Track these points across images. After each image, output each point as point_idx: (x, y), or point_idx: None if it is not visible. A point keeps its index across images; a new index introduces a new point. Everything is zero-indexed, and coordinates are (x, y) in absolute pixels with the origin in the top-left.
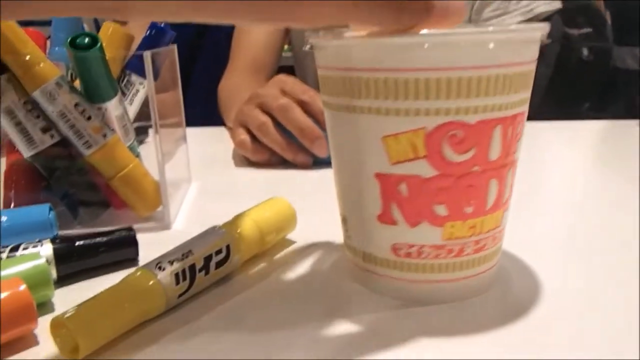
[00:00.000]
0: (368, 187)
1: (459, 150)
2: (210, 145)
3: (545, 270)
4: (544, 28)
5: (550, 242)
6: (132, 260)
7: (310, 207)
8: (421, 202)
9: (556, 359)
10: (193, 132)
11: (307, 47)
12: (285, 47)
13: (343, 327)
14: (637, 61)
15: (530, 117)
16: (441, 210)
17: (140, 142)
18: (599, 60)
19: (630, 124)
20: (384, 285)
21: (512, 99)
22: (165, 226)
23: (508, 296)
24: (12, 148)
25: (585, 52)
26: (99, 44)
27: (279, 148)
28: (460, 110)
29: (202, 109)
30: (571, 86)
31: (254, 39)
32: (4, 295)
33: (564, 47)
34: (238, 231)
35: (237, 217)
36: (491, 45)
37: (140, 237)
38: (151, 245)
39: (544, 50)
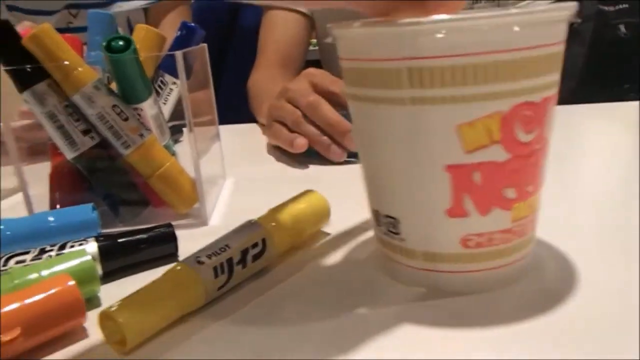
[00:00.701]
0: (435, 182)
1: (527, 130)
2: (242, 141)
3: (582, 259)
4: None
5: (587, 230)
6: (172, 255)
7: (343, 200)
8: (493, 188)
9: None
10: (225, 129)
11: (330, 40)
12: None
13: (381, 319)
14: None
15: (567, 101)
16: (510, 193)
17: (175, 141)
18: (637, 37)
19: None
20: (448, 281)
21: (555, 77)
22: (203, 222)
23: (545, 281)
24: (55, 151)
25: (622, 29)
26: (132, 46)
27: (312, 141)
28: (530, 89)
29: (232, 106)
30: (609, 66)
31: (281, 33)
32: (54, 290)
33: (598, 24)
34: (273, 224)
35: (272, 211)
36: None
37: (179, 233)
38: (189, 241)
39: (577, 29)
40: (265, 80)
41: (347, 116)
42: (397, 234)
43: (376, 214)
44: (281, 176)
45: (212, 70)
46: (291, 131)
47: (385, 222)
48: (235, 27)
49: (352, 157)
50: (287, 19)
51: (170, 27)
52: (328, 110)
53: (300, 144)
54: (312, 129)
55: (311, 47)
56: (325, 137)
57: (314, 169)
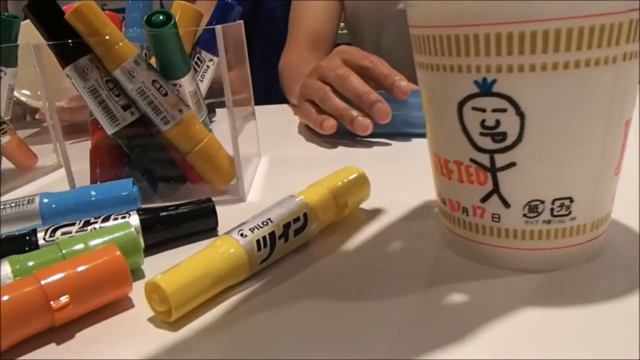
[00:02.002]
0: (614, 140)
1: None
2: (276, 121)
3: None
4: None
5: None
6: (212, 230)
7: (379, 178)
8: None
9: None
10: (258, 110)
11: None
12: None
13: (429, 296)
14: None
15: None
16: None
17: (212, 120)
18: None
19: None
20: (584, 251)
21: None
22: (241, 198)
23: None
24: (95, 127)
25: None
26: (173, 21)
27: (338, 115)
28: None
29: (258, 88)
30: None
31: (311, 14)
32: (101, 260)
33: None
34: (314, 199)
35: (312, 186)
36: None
37: (217, 209)
38: (228, 217)
39: None
40: (296, 62)
41: (385, 96)
42: (567, 214)
43: (533, 204)
44: (315, 155)
45: None
46: (320, 110)
47: (550, 208)
48: (261, 8)
49: (379, 134)
50: (315, 2)
51: (207, 4)
52: (356, 81)
53: (329, 125)
54: (338, 103)
55: (340, 31)
56: (351, 110)
57: (347, 148)
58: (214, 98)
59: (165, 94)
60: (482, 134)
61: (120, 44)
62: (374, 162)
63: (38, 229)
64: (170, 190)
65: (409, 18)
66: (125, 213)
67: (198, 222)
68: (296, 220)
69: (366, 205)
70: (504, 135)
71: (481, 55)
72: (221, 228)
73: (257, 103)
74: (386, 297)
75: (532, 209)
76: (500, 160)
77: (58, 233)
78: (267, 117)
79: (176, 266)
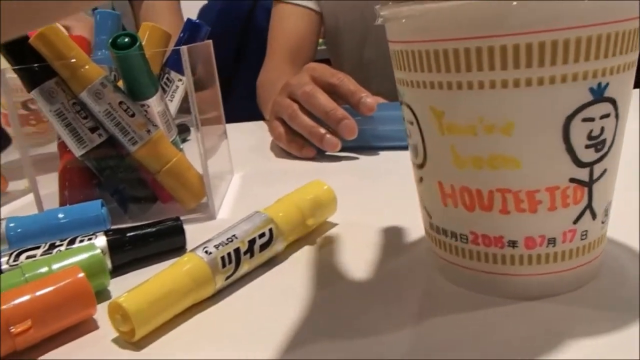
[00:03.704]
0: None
1: None
2: (250, 138)
3: None
4: None
5: None
6: (181, 249)
7: (349, 192)
8: None
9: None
10: (234, 127)
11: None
12: (320, 40)
13: (395, 309)
14: None
15: None
16: None
17: (184, 140)
18: None
19: None
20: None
21: None
22: (211, 216)
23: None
24: (64, 149)
25: None
26: (138, 43)
27: (306, 132)
28: None
29: (250, 104)
30: None
31: (289, 29)
32: (63, 282)
33: None
34: (280, 214)
35: (279, 201)
36: None
37: (188, 228)
38: (198, 235)
39: None
40: (274, 78)
41: (350, 110)
42: (607, 217)
43: (607, 207)
44: (286, 170)
45: (230, 69)
46: (289, 128)
47: (602, 214)
48: (250, 27)
49: (348, 148)
50: (295, 14)
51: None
52: (323, 99)
53: (309, 154)
54: (306, 121)
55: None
56: (319, 128)
57: (317, 163)
58: (187, 116)
59: (133, 115)
60: (587, 146)
61: (87, 66)
62: (344, 176)
63: (2, 254)
64: (140, 211)
65: (457, 29)
66: (92, 235)
67: (166, 241)
68: (262, 235)
69: (334, 219)
70: (604, 143)
71: (591, 60)
72: (191, 246)
73: (246, 120)
74: (369, 329)
75: (606, 211)
76: (597, 170)
77: (22, 257)
78: (244, 134)
79: (139, 285)
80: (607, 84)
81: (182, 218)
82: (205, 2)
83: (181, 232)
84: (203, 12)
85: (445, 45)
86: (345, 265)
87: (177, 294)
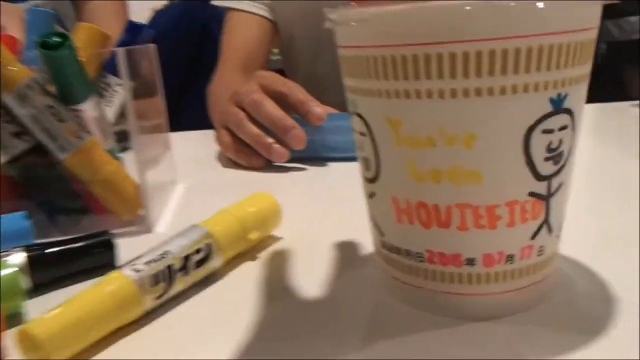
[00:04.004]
0: None
1: None
2: (198, 148)
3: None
4: None
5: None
6: (111, 265)
7: (297, 204)
8: None
9: None
10: (183, 136)
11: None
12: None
13: (340, 328)
14: (623, 32)
15: None
16: None
17: (125, 148)
18: (615, 54)
19: (624, 106)
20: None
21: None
22: (147, 229)
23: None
24: None
25: (603, 48)
26: (68, 42)
27: (253, 142)
28: None
29: (205, 112)
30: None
31: (242, 37)
32: None
33: None
34: (219, 228)
35: (218, 214)
36: None
37: (122, 242)
38: (133, 250)
39: None
40: (223, 85)
41: (299, 120)
42: (559, 236)
43: (562, 221)
44: (234, 181)
45: (186, 78)
46: (236, 137)
47: (557, 228)
48: (207, 36)
49: (297, 158)
50: (248, 22)
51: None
52: (270, 107)
53: (258, 164)
54: (253, 130)
55: (276, 57)
56: (267, 138)
57: (263, 174)
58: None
59: (62, 120)
60: (546, 159)
61: (13, 67)
62: (291, 187)
63: None
64: (71, 223)
65: (418, 35)
66: (11, 250)
67: (94, 257)
68: (198, 251)
69: (279, 232)
70: (561, 156)
71: (552, 69)
72: (122, 262)
73: (202, 127)
74: (313, 353)
75: (560, 225)
76: (554, 183)
77: None
78: (190, 143)
79: (55, 308)
80: (566, 95)
81: (116, 231)
82: (157, 8)
83: (111, 247)
84: (156, 19)
85: (403, 51)
86: (289, 283)
87: (97, 317)
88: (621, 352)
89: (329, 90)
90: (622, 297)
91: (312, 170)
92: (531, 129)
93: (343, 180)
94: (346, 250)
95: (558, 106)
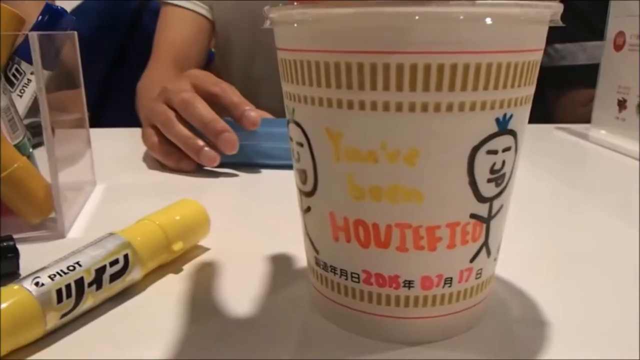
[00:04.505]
0: None
1: None
2: (122, 146)
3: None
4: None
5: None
6: (13, 274)
7: (227, 212)
8: None
9: None
10: (106, 133)
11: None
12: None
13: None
14: (550, 59)
15: None
16: None
17: (38, 144)
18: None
19: (547, 128)
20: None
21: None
22: (59, 235)
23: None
24: None
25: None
26: None
27: (181, 144)
28: None
29: (130, 110)
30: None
31: (176, 33)
32: None
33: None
34: (139, 238)
35: (139, 222)
36: None
37: (29, 248)
38: (42, 257)
39: None
40: (154, 82)
41: (232, 123)
42: (496, 259)
43: (499, 244)
44: (159, 184)
45: (111, 70)
46: (164, 137)
47: (495, 251)
48: (136, 28)
49: (229, 163)
50: (183, 18)
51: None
52: (202, 108)
53: (187, 168)
54: (182, 131)
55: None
56: (197, 140)
57: (192, 178)
58: (52, 117)
59: None
60: (489, 180)
61: None
62: (221, 194)
63: None
64: None
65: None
66: None
67: None
68: (114, 263)
69: (206, 243)
70: (503, 178)
71: (499, 88)
72: (29, 271)
73: (127, 124)
74: (216, 349)
75: (498, 247)
76: (496, 205)
77: None
78: (113, 141)
79: None
80: (512, 116)
81: (23, 236)
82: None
83: (13, 254)
84: (81, 9)
85: (347, 58)
86: (215, 299)
87: None
88: None
89: (265, 94)
90: (555, 320)
91: (244, 177)
92: (476, 149)
93: (276, 188)
94: (278, 264)
95: (503, 127)
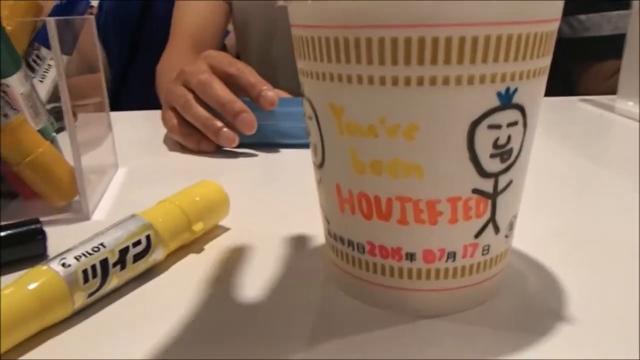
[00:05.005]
0: None
1: None
2: (143, 129)
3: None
4: None
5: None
6: (41, 256)
7: (247, 192)
8: None
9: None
10: (127, 116)
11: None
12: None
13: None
14: (573, 30)
15: None
16: None
17: (61, 128)
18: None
19: (572, 100)
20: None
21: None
22: (84, 217)
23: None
24: None
25: None
26: None
27: (201, 125)
28: None
29: (145, 94)
30: None
31: (194, 15)
32: None
33: None
34: (160, 219)
35: (160, 204)
36: None
37: (55, 230)
38: (68, 239)
39: None
40: (174, 65)
41: (249, 104)
42: (512, 230)
43: (512, 220)
44: (180, 166)
45: (127, 56)
46: (183, 119)
47: (506, 228)
48: (150, 10)
49: (248, 144)
50: (201, 0)
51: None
52: (219, 89)
53: (208, 149)
54: (201, 112)
55: None
56: (215, 121)
57: (211, 159)
58: (73, 102)
59: None
60: (492, 155)
61: None
62: (240, 174)
63: None
64: None
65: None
66: None
67: (22, 248)
68: (136, 244)
69: (227, 223)
70: (510, 153)
71: (500, 61)
72: (55, 254)
73: (146, 107)
74: (259, 351)
75: (510, 225)
76: (502, 181)
77: None
78: (134, 124)
79: None
80: (516, 90)
81: (49, 219)
82: None
83: (41, 236)
84: None
85: (345, 33)
86: (236, 277)
87: (22, 315)
88: (571, 351)
89: (284, 74)
90: (574, 294)
91: (263, 157)
92: (475, 124)
93: (295, 167)
94: (297, 241)
95: (506, 101)
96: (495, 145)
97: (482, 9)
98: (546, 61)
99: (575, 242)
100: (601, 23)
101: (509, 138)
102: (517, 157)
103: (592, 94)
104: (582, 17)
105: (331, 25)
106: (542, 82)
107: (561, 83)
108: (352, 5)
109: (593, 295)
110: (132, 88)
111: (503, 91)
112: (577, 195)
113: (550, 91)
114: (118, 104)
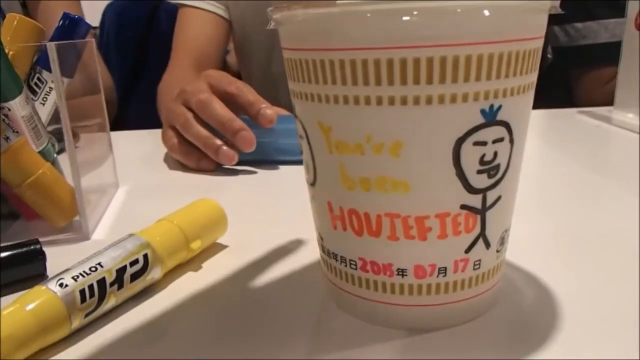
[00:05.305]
0: None
1: None
2: (144, 148)
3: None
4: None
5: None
6: (40, 276)
7: (247, 209)
8: None
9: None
10: (128, 136)
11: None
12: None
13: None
14: (570, 38)
15: None
16: None
17: (62, 150)
18: (562, 61)
19: (569, 112)
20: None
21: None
22: (84, 237)
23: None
24: None
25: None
26: None
27: (200, 144)
28: None
29: (149, 111)
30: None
31: (196, 33)
32: None
33: None
34: (158, 238)
35: (158, 222)
36: None
37: (55, 250)
38: (68, 259)
39: None
40: (173, 83)
41: (248, 122)
42: (503, 245)
43: (503, 234)
44: (180, 184)
45: (129, 74)
46: (183, 138)
47: (497, 243)
48: (152, 31)
49: (247, 161)
50: (201, 19)
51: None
52: (219, 108)
53: (207, 168)
54: (201, 131)
55: None
56: (215, 139)
57: (211, 177)
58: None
59: None
60: (479, 171)
61: None
62: (239, 191)
63: None
64: None
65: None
66: None
67: (21, 268)
68: (134, 263)
69: (225, 240)
70: (497, 169)
71: (482, 80)
72: (55, 273)
73: (148, 126)
74: (235, 350)
75: (502, 240)
76: (490, 197)
77: None
78: (135, 143)
79: None
80: (500, 107)
81: (49, 239)
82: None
83: (40, 257)
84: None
85: (330, 56)
86: (233, 295)
87: (18, 337)
88: None
89: (285, 89)
90: (571, 306)
91: (262, 174)
92: (461, 141)
93: (294, 183)
94: (295, 258)
95: (491, 118)
96: (482, 161)
97: (458, 30)
98: (531, 77)
99: (575, 250)
100: (598, 30)
101: (495, 154)
102: (504, 172)
103: (589, 100)
104: (579, 25)
105: (316, 48)
106: (527, 98)
107: (560, 90)
108: (335, 28)
109: (591, 307)
110: (136, 105)
111: (487, 108)
112: (576, 206)
113: (550, 99)
114: (124, 122)
